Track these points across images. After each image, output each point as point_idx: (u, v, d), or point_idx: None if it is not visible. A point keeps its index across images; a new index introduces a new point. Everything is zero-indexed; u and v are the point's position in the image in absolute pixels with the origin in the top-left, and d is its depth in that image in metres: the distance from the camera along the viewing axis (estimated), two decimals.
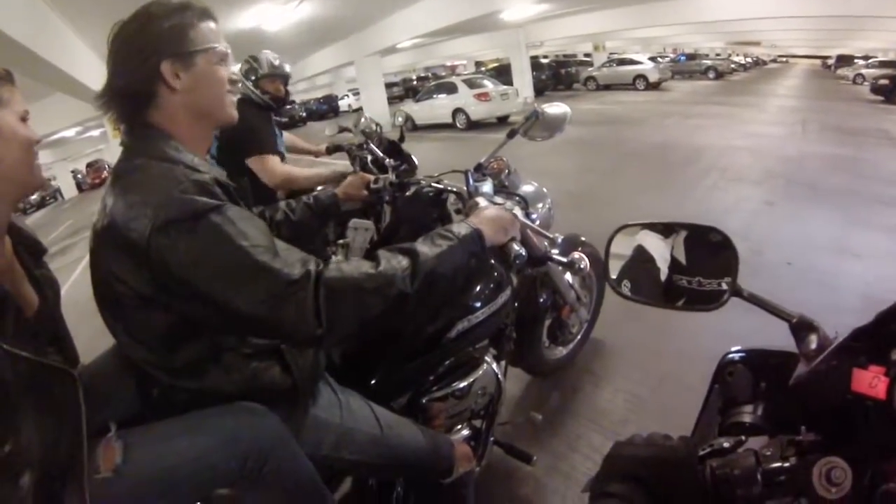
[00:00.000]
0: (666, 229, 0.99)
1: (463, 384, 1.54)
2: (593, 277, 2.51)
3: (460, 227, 1.15)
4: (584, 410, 2.43)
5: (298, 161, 3.45)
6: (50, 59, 5.57)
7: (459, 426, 1.63)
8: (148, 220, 0.91)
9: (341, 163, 3.65)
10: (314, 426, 1.21)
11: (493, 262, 1.60)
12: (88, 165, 31.31)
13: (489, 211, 1.26)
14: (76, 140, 25.25)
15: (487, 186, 1.67)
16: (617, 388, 2.54)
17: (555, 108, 1.77)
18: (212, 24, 1.11)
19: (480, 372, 1.57)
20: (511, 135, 1.80)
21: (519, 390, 2.57)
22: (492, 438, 1.77)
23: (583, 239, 2.37)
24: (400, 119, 3.10)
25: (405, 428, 1.39)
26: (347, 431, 1.25)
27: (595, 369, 2.71)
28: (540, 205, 2.07)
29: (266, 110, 2.88)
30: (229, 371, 1.08)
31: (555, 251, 1.60)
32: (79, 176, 31.85)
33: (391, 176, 1.87)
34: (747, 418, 0.75)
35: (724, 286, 0.86)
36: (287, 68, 3.03)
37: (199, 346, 1.05)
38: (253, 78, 2.83)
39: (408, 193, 1.82)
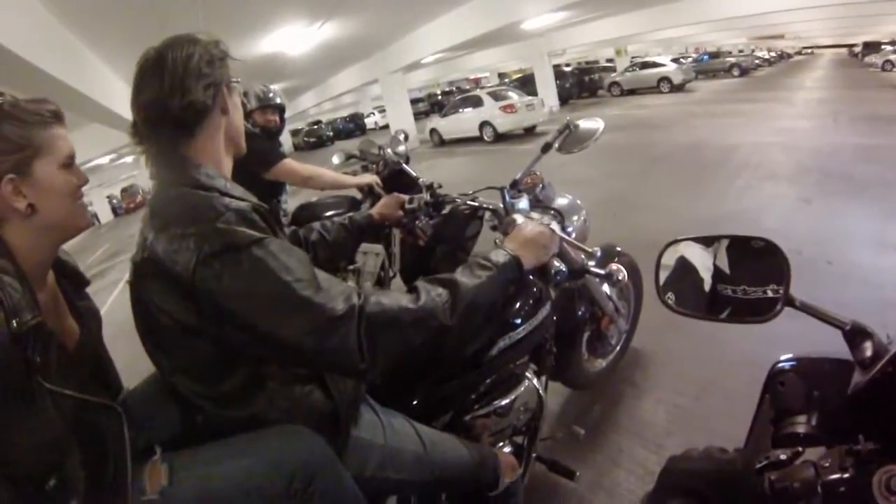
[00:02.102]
0: (709, 240, 0.99)
1: (505, 401, 1.54)
2: (631, 287, 2.48)
3: (498, 255, 1.16)
4: (626, 422, 2.39)
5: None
6: (85, 91, 5.79)
7: (501, 443, 1.62)
8: (191, 252, 0.93)
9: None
10: (357, 448, 1.21)
11: (531, 277, 1.60)
12: (123, 191, 32.43)
13: (527, 230, 1.27)
14: (111, 167, 26.05)
15: (523, 203, 1.68)
16: (658, 399, 2.50)
17: (588, 121, 1.78)
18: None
19: (522, 388, 1.57)
20: (545, 149, 1.80)
21: (558, 404, 2.54)
22: (534, 454, 1.76)
23: (619, 249, 2.35)
24: (401, 138, 3.11)
25: (448, 443, 1.39)
26: (392, 451, 1.26)
27: (635, 380, 2.67)
28: (576, 217, 2.06)
29: (267, 140, 2.98)
30: (273, 399, 1.09)
31: (592, 263, 1.60)
32: (114, 201, 33.00)
33: (426, 195, 1.88)
34: (801, 428, 0.73)
35: (770, 293, 0.85)
36: (278, 99, 3.12)
37: (243, 375, 1.07)
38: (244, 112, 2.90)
39: (444, 212, 1.83)
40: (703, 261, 0.99)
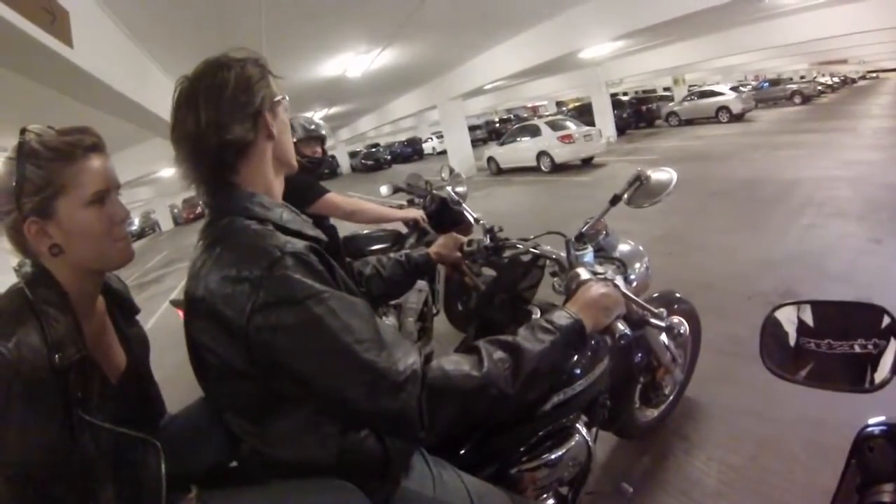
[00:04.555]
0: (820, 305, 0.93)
1: (554, 455, 1.48)
2: (688, 337, 2.39)
3: (561, 318, 1.13)
4: (675, 480, 2.27)
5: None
6: (150, 107, 6.05)
7: (545, 495, 1.56)
8: (246, 298, 0.90)
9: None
10: (405, 499, 1.16)
11: None
12: (184, 201, 33.90)
13: (592, 292, 1.23)
14: (174, 178, 27.08)
15: (588, 256, 1.62)
16: (710, 457, 2.35)
17: (660, 172, 1.71)
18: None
19: (573, 442, 1.51)
20: (614, 201, 1.75)
21: (604, 452, 2.44)
22: None
23: (678, 295, 2.27)
24: (461, 176, 3.04)
25: (494, 498, 1.33)
26: None
27: (687, 433, 2.53)
28: (637, 265, 1.99)
29: (307, 172, 2.94)
30: (324, 444, 1.05)
31: (651, 314, 1.55)
32: (175, 210, 34.41)
33: (486, 239, 1.85)
34: (889, 497, 0.69)
35: (858, 348, 0.79)
36: (322, 130, 3.12)
37: (296, 420, 1.02)
38: None
39: (504, 257, 1.79)
40: (787, 315, 0.95)
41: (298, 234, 1.02)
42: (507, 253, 1.79)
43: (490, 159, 17.21)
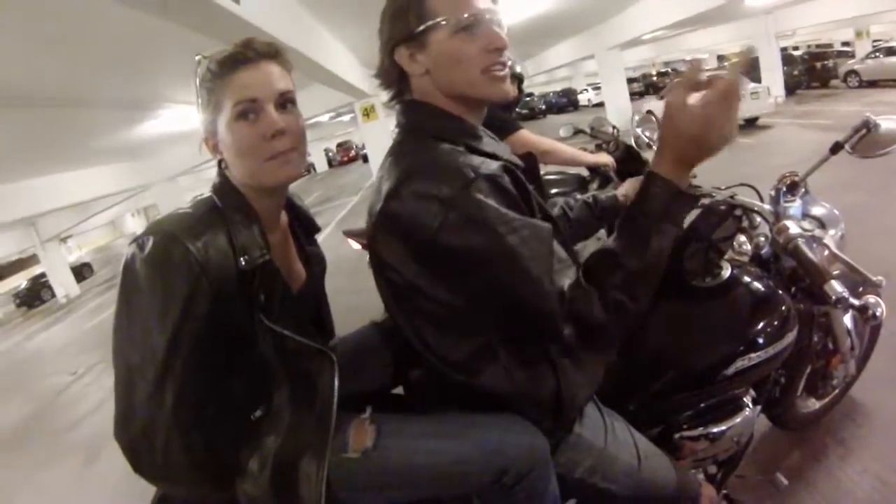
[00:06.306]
0: None
1: (720, 428, 1.42)
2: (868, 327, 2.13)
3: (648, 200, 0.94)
4: (823, 485, 2.06)
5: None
6: (313, 56, 6.41)
7: (696, 469, 1.50)
8: (434, 217, 0.88)
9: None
10: (576, 446, 1.16)
11: (781, 293, 1.44)
12: (339, 145, 36.49)
13: (669, 122, 0.93)
14: (329, 124, 28.91)
15: (796, 209, 1.50)
16: (865, 468, 2.09)
17: (891, 121, 1.53)
18: None
19: (739, 418, 1.42)
20: (835, 149, 1.58)
21: (755, 439, 2.28)
22: (724, 491, 1.62)
23: (870, 275, 2.02)
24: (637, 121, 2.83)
25: (660, 461, 1.29)
26: (608, 458, 1.18)
27: (845, 437, 2.27)
28: (833, 231, 1.79)
29: (503, 110, 2.81)
30: (507, 372, 1.04)
31: (841, 289, 1.31)
32: (330, 154, 36.85)
33: None
34: None
35: None
36: (518, 68, 2.94)
37: (476, 344, 1.03)
38: None
39: (698, 207, 1.69)
40: None
41: (493, 157, 0.99)
42: (702, 201, 1.63)
43: (649, 112, 16.00)
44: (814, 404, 2.20)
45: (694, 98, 0.87)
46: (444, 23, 0.96)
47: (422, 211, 0.90)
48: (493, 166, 0.93)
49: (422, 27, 0.97)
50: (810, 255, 1.32)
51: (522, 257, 0.89)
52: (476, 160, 0.94)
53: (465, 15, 0.96)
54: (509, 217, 0.90)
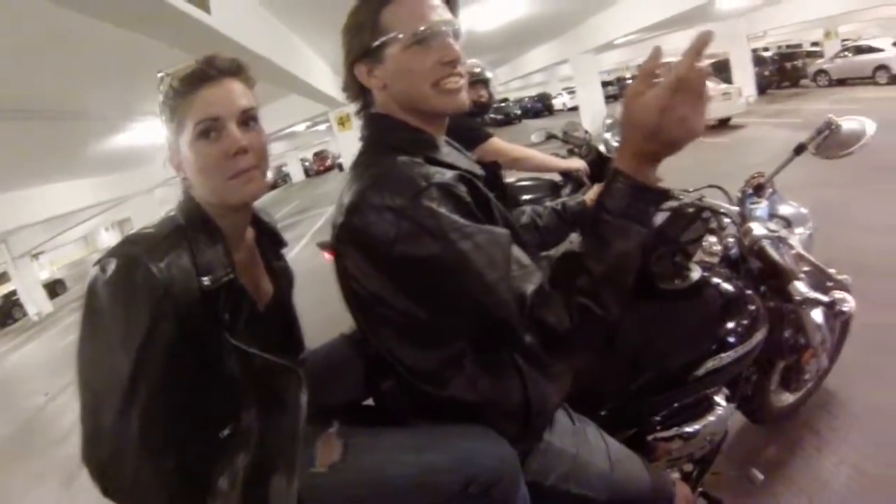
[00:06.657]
0: None
1: (694, 427, 1.43)
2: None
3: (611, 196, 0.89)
4: (800, 477, 2.09)
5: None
6: (286, 67, 6.39)
7: (671, 469, 1.52)
8: (389, 226, 0.90)
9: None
10: (547, 453, 1.16)
11: (750, 292, 1.46)
12: (315, 154, 36.18)
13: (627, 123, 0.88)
14: (306, 133, 28.74)
15: (762, 210, 1.52)
16: (842, 459, 2.13)
17: (852, 121, 1.57)
18: (399, 6, 0.99)
19: (712, 417, 1.44)
20: (798, 150, 1.63)
21: (731, 435, 2.23)
22: (700, 488, 1.63)
23: (833, 272, 2.07)
24: (609, 120, 2.82)
25: (633, 463, 1.30)
26: (580, 464, 1.19)
27: (819, 428, 2.32)
28: (801, 229, 1.82)
29: (471, 117, 2.81)
30: (472, 383, 1.05)
31: (805, 287, 1.37)
32: (306, 163, 36.72)
33: None
34: None
35: None
36: (487, 73, 2.97)
37: (441, 353, 1.04)
38: None
39: (663, 209, 1.65)
40: None
41: (450, 167, 1.00)
42: (668, 204, 1.63)
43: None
44: (788, 398, 2.24)
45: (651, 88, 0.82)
46: (399, 37, 0.98)
47: (379, 222, 0.91)
48: (447, 175, 0.94)
49: (377, 42, 0.99)
50: (775, 256, 1.35)
51: (476, 263, 0.88)
52: (431, 170, 0.95)
53: (421, 28, 0.97)
54: (461, 224, 0.89)
